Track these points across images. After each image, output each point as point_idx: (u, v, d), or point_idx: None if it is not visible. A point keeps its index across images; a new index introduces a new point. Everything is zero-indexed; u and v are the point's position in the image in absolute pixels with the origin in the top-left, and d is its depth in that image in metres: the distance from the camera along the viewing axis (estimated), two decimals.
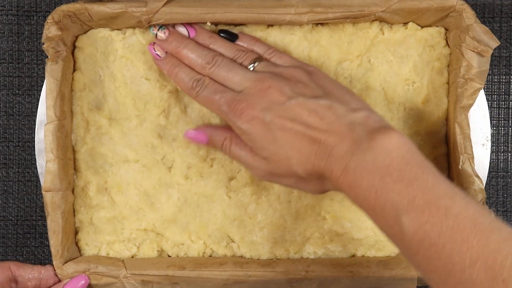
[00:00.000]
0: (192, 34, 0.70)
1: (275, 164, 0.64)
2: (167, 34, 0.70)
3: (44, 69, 0.71)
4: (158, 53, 0.70)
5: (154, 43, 0.71)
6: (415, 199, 0.55)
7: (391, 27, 0.73)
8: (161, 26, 0.70)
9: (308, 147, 0.62)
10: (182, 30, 0.71)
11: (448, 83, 0.73)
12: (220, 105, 0.66)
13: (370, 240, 0.73)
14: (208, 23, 0.72)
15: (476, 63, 0.69)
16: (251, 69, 0.68)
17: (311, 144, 0.62)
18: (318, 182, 0.64)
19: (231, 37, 0.71)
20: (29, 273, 0.69)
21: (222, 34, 0.71)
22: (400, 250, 0.58)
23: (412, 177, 0.56)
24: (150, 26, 0.71)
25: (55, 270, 0.70)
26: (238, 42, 0.71)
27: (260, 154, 0.65)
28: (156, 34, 0.71)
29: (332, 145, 0.60)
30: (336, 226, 0.73)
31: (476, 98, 0.70)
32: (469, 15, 0.69)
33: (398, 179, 0.56)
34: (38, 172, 0.74)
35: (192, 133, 0.70)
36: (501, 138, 0.79)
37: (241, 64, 0.68)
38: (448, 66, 0.73)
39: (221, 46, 0.70)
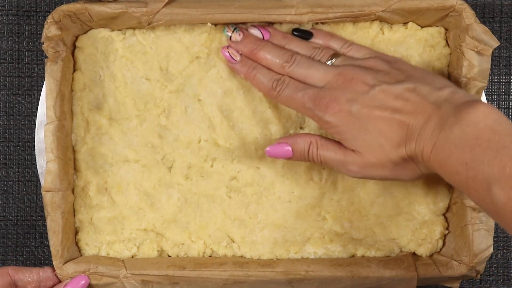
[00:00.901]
0: (267, 36, 0.70)
1: (369, 154, 0.64)
2: (241, 36, 0.70)
3: (44, 69, 0.71)
4: (233, 56, 0.70)
5: (228, 46, 0.71)
6: (505, 168, 0.55)
7: (391, 27, 0.73)
8: (235, 28, 0.70)
9: (398, 131, 0.62)
10: (256, 32, 0.71)
11: None
12: (304, 102, 0.66)
13: (370, 240, 0.73)
14: (209, 24, 0.72)
15: (477, 62, 0.69)
16: (330, 64, 0.67)
17: (400, 128, 0.62)
18: (413, 167, 0.64)
19: (306, 35, 0.71)
20: (28, 276, 0.69)
21: (296, 33, 0.71)
22: (496, 221, 0.57)
23: (501, 146, 0.56)
24: (224, 27, 0.71)
25: (53, 270, 0.70)
26: (313, 40, 0.71)
27: (351, 146, 0.64)
28: (230, 37, 0.70)
29: (420, 125, 0.61)
30: (336, 226, 0.73)
31: (480, 97, 0.70)
32: (469, 15, 0.69)
33: (487, 150, 0.56)
34: (38, 172, 0.74)
35: (273, 149, 0.69)
36: None
37: (319, 61, 0.68)
38: (448, 66, 0.73)
39: (296, 45, 0.70)
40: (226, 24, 0.71)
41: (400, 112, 0.62)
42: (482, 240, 0.69)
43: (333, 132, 0.65)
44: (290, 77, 0.68)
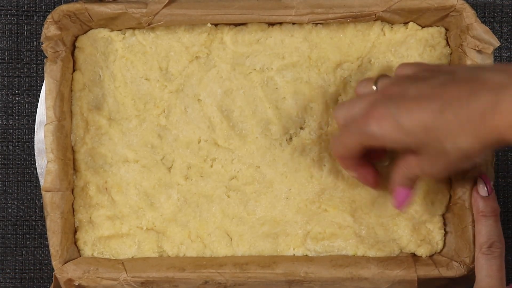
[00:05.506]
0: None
1: (435, 153, 0.60)
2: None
3: (43, 69, 0.71)
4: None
5: None
6: None
7: (391, 27, 0.73)
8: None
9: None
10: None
11: None
12: (352, 131, 0.64)
13: (372, 240, 0.73)
14: (209, 25, 0.72)
15: (479, 60, 0.69)
16: (375, 88, 0.66)
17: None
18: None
19: None
20: None
21: None
22: None
23: None
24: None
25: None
26: None
27: (418, 150, 0.62)
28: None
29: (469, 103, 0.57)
30: (338, 218, 0.73)
31: None
32: (469, 15, 0.69)
33: None
34: (38, 173, 0.74)
35: (398, 199, 0.68)
36: None
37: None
38: None
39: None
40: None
41: (440, 97, 0.58)
42: None
43: (390, 146, 0.63)
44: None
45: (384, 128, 0.61)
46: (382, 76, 0.67)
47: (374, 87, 0.66)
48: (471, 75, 0.58)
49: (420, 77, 0.62)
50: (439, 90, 0.59)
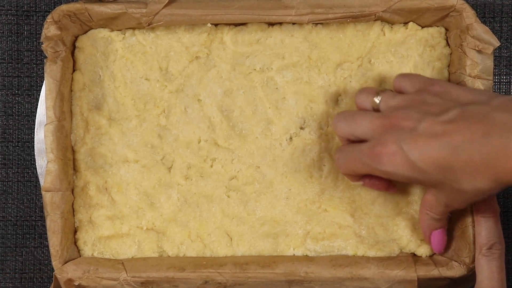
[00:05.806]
0: None
1: (452, 190, 0.61)
2: None
3: (43, 69, 0.71)
4: None
5: None
6: None
7: (391, 28, 0.73)
8: None
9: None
10: None
11: None
12: (361, 161, 0.64)
13: (372, 240, 0.73)
14: (209, 25, 0.72)
15: (479, 60, 0.69)
16: (377, 101, 0.66)
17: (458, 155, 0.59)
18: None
19: None
20: None
21: None
22: None
23: None
24: None
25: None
26: None
27: (434, 187, 0.63)
28: None
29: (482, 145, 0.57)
30: (338, 218, 0.73)
31: None
32: (469, 15, 0.69)
33: None
34: (38, 173, 0.73)
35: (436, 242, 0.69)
36: None
37: (365, 108, 0.67)
38: (448, 66, 0.73)
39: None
40: None
41: (452, 137, 0.59)
42: None
43: (404, 181, 0.64)
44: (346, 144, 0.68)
45: (397, 167, 0.61)
46: (384, 90, 0.67)
47: (377, 100, 0.66)
48: (481, 113, 0.58)
49: (426, 103, 0.62)
50: (451, 127, 0.59)
